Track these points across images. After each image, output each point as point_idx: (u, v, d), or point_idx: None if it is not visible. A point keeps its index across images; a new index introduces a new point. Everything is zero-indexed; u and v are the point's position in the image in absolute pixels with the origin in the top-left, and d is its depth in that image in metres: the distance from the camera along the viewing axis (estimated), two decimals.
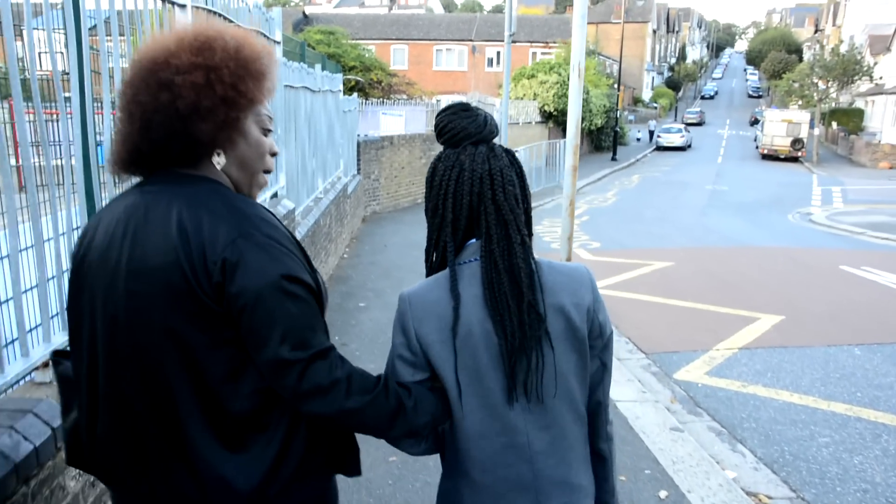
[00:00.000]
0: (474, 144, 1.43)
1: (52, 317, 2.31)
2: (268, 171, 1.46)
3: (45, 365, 2.21)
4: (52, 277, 2.29)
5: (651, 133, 42.45)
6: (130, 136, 1.32)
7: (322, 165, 8.28)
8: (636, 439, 4.08)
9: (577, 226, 13.98)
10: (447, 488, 1.49)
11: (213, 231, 1.24)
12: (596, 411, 1.51)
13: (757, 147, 37.16)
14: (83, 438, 1.39)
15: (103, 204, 2.47)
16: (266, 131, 1.43)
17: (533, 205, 1.47)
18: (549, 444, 1.41)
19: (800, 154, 32.42)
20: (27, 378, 2.19)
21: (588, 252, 10.99)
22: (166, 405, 1.28)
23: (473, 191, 1.40)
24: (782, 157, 32.60)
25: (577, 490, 1.44)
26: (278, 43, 5.21)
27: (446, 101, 18.40)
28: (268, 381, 1.28)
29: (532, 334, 1.36)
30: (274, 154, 1.46)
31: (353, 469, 1.47)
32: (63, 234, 2.36)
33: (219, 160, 1.36)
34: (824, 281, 8.86)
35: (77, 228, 2.39)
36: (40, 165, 2.21)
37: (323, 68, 8.86)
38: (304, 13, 39.47)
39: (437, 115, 1.48)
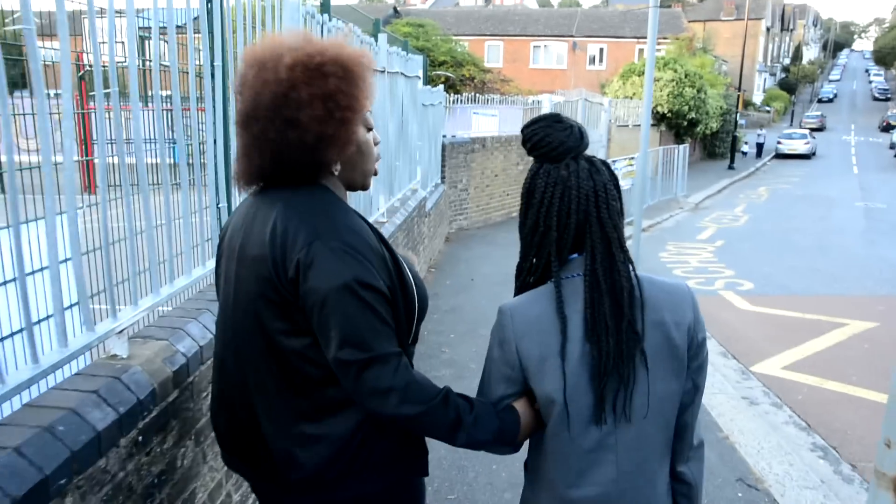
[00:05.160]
0: (574, 159, 1.40)
1: None
2: (377, 161, 1.56)
3: None
4: None
5: (760, 146, 33.99)
6: (262, 168, 1.43)
7: (387, 178, 5.96)
8: None
9: (710, 252, 11.15)
10: (528, 498, 1.52)
11: (296, 232, 1.35)
12: (681, 434, 1.47)
13: None
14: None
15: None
16: (369, 128, 1.52)
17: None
18: (637, 466, 1.40)
19: None
20: None
21: (740, 297, 8.21)
22: (255, 381, 1.45)
23: (580, 209, 1.38)
24: None
25: None
26: None
27: (547, 100, 15.91)
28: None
29: (627, 352, 1.35)
30: (377, 143, 1.55)
31: (419, 470, 1.57)
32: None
33: (336, 168, 1.47)
34: None
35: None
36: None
37: (402, 48, 6.54)
38: (394, 8, 37.67)
39: (527, 127, 1.43)
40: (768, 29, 64.64)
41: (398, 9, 38.42)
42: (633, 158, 14.44)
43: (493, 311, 1.48)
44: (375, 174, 1.56)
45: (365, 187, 1.55)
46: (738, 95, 31.87)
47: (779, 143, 34.55)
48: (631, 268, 1.40)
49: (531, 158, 1.45)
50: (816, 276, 9.48)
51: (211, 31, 2.66)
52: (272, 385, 1.42)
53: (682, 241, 12.32)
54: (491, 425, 1.40)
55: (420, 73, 8.34)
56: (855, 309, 7.54)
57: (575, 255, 1.41)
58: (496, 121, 15.14)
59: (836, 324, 6.93)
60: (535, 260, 1.44)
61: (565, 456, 1.39)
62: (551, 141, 1.39)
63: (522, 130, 1.44)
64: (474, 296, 7.36)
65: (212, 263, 2.57)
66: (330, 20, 4.26)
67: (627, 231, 12.53)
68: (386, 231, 5.84)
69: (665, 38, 32.51)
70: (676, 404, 1.42)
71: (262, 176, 1.44)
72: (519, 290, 1.48)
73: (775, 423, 4.53)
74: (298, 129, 1.35)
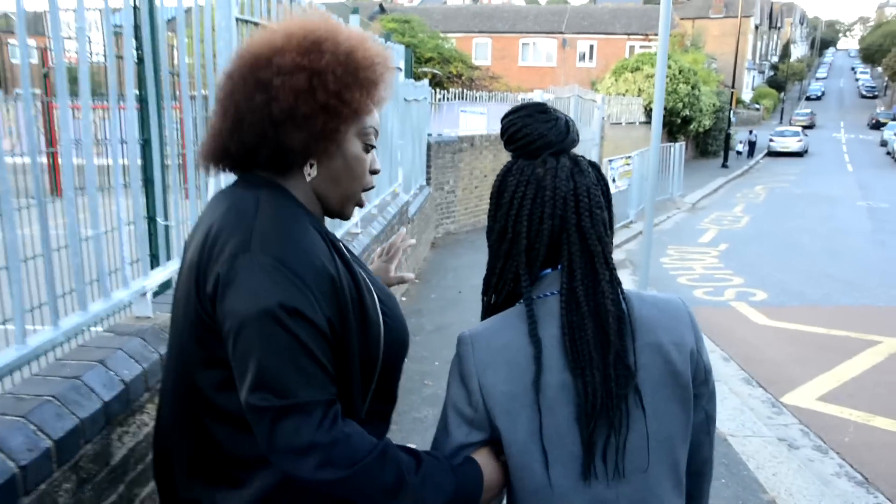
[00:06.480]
0: (555, 156, 1.19)
1: None
2: (367, 189, 1.31)
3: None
4: None
5: (752, 144, 32.02)
6: (220, 134, 1.22)
7: None
8: None
9: (715, 257, 10.43)
10: None
11: (227, 238, 1.12)
12: (701, 471, 1.28)
13: (889, 153, 32.36)
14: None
15: None
16: (368, 147, 1.28)
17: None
18: None
19: None
20: None
21: (755, 309, 7.46)
22: (178, 416, 1.24)
23: (556, 213, 1.17)
24: None
25: None
26: None
27: (538, 97, 15.16)
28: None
29: (618, 392, 1.12)
30: (375, 172, 1.31)
31: None
32: None
33: (310, 172, 1.23)
34: None
35: None
36: None
37: (384, 39, 5.74)
38: (380, 5, 36.89)
39: (506, 115, 1.22)
40: (757, 27, 64.39)
41: (384, 6, 37.59)
42: (629, 157, 13.74)
43: None
44: (360, 205, 1.30)
45: (343, 215, 1.28)
46: (732, 93, 31.26)
47: (771, 140, 34.04)
48: (619, 290, 1.17)
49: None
50: (832, 283, 8.77)
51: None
52: (188, 430, 1.20)
53: (683, 244, 11.60)
54: (446, 485, 1.14)
55: (402, 65, 7.55)
56: (884, 323, 6.82)
57: (548, 271, 1.20)
58: (485, 119, 14.38)
59: (867, 342, 6.20)
60: (501, 273, 1.23)
61: None
62: (529, 133, 1.19)
63: (501, 120, 1.23)
64: (463, 311, 6.57)
65: (71, 321, 1.79)
66: None
67: (635, 229, 11.84)
68: (360, 243, 5.06)
69: (655, 34, 31.92)
70: (686, 440, 1.20)
71: (224, 150, 1.21)
72: (485, 313, 1.27)
73: (824, 475, 3.78)
74: (268, 94, 1.14)
